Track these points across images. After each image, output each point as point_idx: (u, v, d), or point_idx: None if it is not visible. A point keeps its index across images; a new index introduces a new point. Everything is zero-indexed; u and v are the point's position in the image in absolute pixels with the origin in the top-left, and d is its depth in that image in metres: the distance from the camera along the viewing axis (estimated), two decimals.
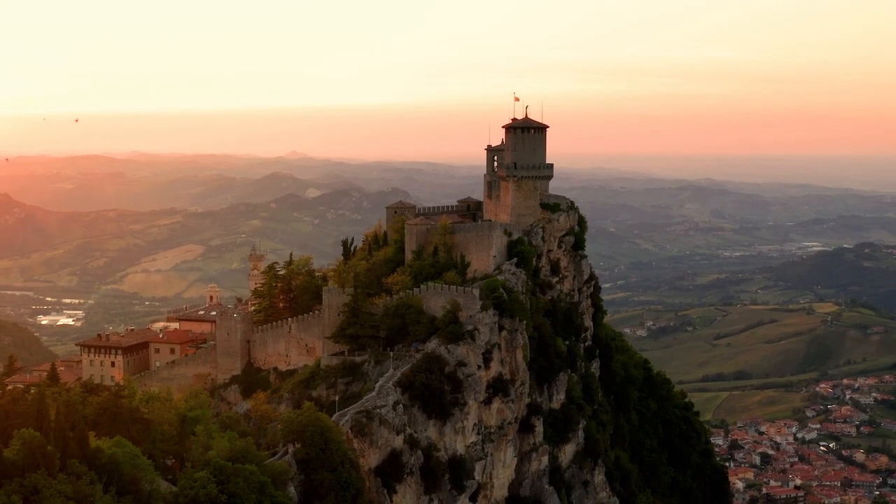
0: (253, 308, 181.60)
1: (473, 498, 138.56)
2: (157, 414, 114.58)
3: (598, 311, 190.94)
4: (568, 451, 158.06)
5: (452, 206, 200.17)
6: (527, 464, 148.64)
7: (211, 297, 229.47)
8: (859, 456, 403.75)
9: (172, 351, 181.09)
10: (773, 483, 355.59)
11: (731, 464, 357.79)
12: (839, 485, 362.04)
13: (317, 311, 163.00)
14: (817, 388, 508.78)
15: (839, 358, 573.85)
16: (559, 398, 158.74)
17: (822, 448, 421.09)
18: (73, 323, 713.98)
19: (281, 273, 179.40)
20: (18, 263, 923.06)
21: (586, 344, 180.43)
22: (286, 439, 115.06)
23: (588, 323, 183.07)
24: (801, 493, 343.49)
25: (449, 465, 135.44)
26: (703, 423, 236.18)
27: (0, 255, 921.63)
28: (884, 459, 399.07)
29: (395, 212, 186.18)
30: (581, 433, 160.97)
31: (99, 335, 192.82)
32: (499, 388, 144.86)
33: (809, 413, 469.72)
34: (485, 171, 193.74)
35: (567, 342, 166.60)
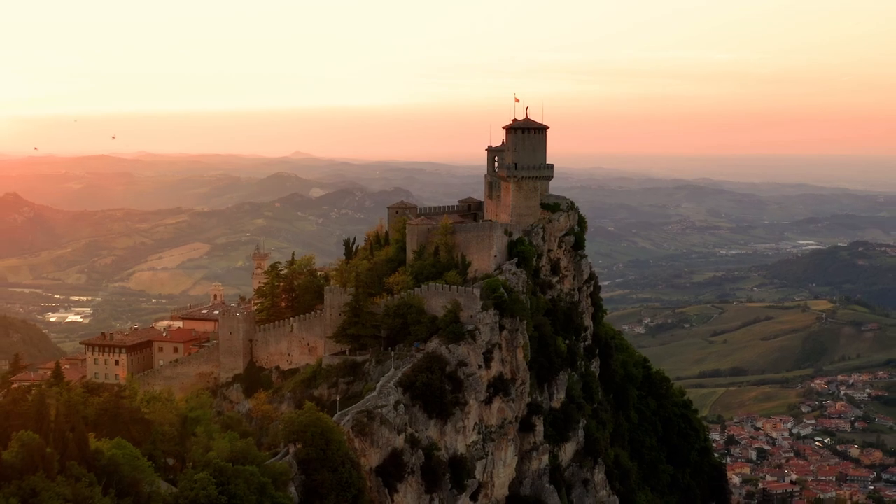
0: (255, 307, 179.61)
1: (474, 497, 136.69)
2: (158, 414, 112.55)
3: (598, 311, 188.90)
4: (568, 450, 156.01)
5: (453, 206, 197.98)
6: (527, 463, 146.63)
7: (215, 296, 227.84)
8: (854, 451, 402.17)
9: (176, 350, 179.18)
10: (769, 478, 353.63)
11: (728, 459, 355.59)
12: (834, 480, 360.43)
13: (318, 311, 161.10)
14: (812, 385, 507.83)
15: (834, 354, 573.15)
16: (559, 397, 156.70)
17: (817, 443, 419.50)
18: (80, 320, 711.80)
19: (283, 273, 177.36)
20: (27, 262, 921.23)
21: (586, 343, 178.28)
22: (287, 439, 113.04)
23: (588, 322, 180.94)
24: (796, 489, 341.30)
25: (450, 465, 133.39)
26: (701, 420, 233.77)
27: (9, 253, 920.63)
28: (878, 454, 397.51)
29: (397, 212, 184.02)
30: (581, 432, 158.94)
31: (103, 334, 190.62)
32: (499, 387, 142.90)
33: (805, 409, 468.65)
34: (485, 172, 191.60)
35: (567, 341, 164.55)
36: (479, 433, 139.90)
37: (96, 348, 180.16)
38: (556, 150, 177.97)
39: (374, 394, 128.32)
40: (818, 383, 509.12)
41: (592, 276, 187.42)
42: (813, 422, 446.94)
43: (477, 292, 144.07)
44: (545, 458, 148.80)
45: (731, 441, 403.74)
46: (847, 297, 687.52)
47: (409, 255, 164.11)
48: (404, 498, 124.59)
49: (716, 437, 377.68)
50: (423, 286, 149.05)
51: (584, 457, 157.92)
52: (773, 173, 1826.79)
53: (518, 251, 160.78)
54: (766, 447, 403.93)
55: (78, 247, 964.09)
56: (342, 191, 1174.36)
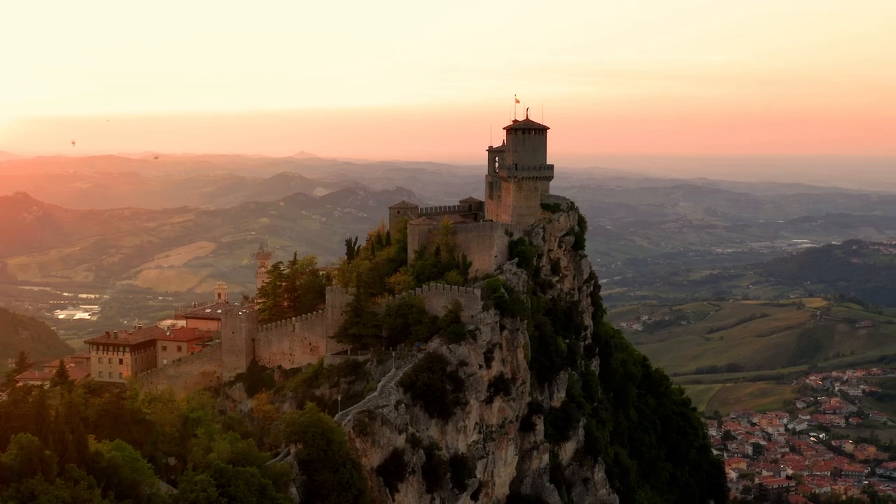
0: (258, 306, 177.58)
1: (475, 496, 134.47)
2: (159, 415, 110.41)
3: (598, 310, 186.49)
4: (568, 449, 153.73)
5: (454, 207, 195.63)
6: (528, 462, 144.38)
7: (219, 295, 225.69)
8: (848, 446, 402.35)
9: (179, 349, 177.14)
10: (765, 473, 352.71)
11: (725, 454, 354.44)
12: (829, 475, 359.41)
13: (320, 311, 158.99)
14: (807, 381, 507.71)
15: (828, 351, 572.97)
16: (560, 396, 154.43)
17: (812, 439, 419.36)
18: (89, 317, 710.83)
19: (285, 273, 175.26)
20: (36, 260, 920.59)
21: (586, 342, 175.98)
22: (288, 440, 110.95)
23: (588, 321, 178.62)
24: (792, 484, 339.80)
25: (451, 464, 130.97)
26: (699, 417, 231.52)
27: (19, 251, 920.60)
28: (872, 450, 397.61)
29: (398, 212, 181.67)
30: (581, 431, 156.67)
31: (107, 333, 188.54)
32: (500, 387, 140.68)
33: (800, 405, 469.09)
34: (486, 172, 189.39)
35: (567, 341, 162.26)
36: (479, 432, 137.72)
37: (100, 347, 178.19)
38: (555, 150, 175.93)
39: (376, 394, 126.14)
40: (813, 379, 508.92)
41: (592, 276, 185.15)
42: (808, 417, 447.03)
43: (478, 292, 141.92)
44: (545, 457, 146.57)
45: (727, 436, 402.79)
46: (841, 295, 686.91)
47: (411, 255, 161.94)
48: (405, 497, 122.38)
49: (713, 432, 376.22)
50: (424, 286, 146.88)
51: (584, 455, 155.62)
52: (768, 173, 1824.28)
53: (518, 251, 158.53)
54: (762, 442, 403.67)
55: (86, 245, 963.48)
56: (345, 190, 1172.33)
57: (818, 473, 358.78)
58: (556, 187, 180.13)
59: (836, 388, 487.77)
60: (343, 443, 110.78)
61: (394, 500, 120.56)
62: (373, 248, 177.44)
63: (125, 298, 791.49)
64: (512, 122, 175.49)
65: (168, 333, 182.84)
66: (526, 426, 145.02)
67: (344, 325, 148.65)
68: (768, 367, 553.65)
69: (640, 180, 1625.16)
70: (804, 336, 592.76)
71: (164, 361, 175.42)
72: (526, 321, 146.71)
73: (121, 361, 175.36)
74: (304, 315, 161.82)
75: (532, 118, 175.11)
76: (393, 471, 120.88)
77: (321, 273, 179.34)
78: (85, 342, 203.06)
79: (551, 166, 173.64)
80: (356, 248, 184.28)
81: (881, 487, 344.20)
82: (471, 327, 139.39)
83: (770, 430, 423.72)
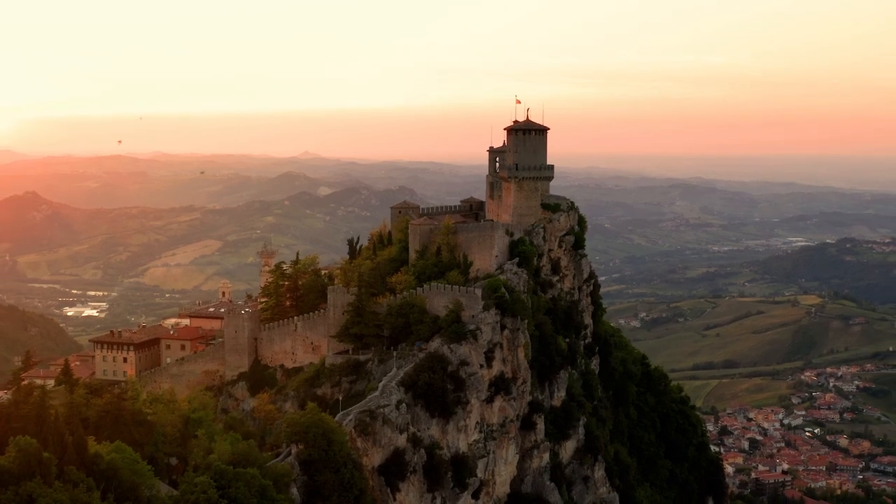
0: (261, 305, 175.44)
1: (476, 495, 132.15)
2: (160, 416, 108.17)
3: (598, 309, 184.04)
4: (569, 448, 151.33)
5: (455, 206, 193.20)
6: (528, 461, 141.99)
7: (223, 293, 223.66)
8: (843, 441, 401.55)
9: (183, 347, 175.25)
10: (761, 468, 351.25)
11: (721, 449, 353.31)
12: (824, 469, 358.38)
13: (322, 310, 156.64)
14: (802, 377, 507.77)
15: (823, 347, 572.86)
16: (560, 395, 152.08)
17: (807, 434, 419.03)
18: (97, 314, 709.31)
19: (287, 272, 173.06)
20: (46, 258, 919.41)
21: (586, 341, 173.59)
22: (289, 440, 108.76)
23: (588, 320, 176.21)
24: (788, 478, 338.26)
25: (452, 463, 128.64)
26: (696, 413, 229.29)
27: (28, 249, 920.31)
28: (866, 444, 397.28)
29: (400, 212, 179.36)
30: (581, 430, 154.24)
31: (111, 332, 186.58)
32: (501, 386, 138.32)
33: (795, 400, 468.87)
34: (487, 172, 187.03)
35: (567, 340, 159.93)
36: (480, 432, 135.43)
37: (105, 346, 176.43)
38: (555, 150, 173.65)
39: (377, 393, 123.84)
40: (808, 375, 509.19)
41: (592, 275, 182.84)
42: (803, 413, 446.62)
43: (478, 292, 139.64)
44: (546, 456, 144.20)
45: (724, 432, 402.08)
46: (835, 292, 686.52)
47: (412, 255, 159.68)
48: (406, 497, 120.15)
49: (709, 427, 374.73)
50: (425, 286, 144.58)
51: (584, 454, 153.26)
52: (763, 172, 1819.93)
53: (519, 251, 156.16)
54: (758, 437, 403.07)
55: (94, 243, 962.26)
56: (349, 189, 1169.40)
57: (813, 468, 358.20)
58: (555, 187, 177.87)
59: (831, 384, 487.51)
60: (344, 443, 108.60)
61: (395, 500, 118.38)
62: (374, 248, 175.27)
63: (133, 296, 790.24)
64: (512, 123, 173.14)
65: (172, 332, 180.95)
66: (526, 425, 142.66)
67: (345, 324, 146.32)
68: (764, 363, 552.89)
69: (638, 180, 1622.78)
70: (799, 333, 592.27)
71: (168, 360, 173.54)
72: (526, 321, 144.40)
73: (125, 360, 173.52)
74: (306, 314, 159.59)
75: (532, 119, 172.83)
76: (394, 470, 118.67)
77: (323, 272, 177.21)
78: (89, 341, 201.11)
79: (552, 166, 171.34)
80: (358, 247, 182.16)
81: (875, 482, 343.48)
82: (472, 327, 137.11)
83: (766, 425, 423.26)
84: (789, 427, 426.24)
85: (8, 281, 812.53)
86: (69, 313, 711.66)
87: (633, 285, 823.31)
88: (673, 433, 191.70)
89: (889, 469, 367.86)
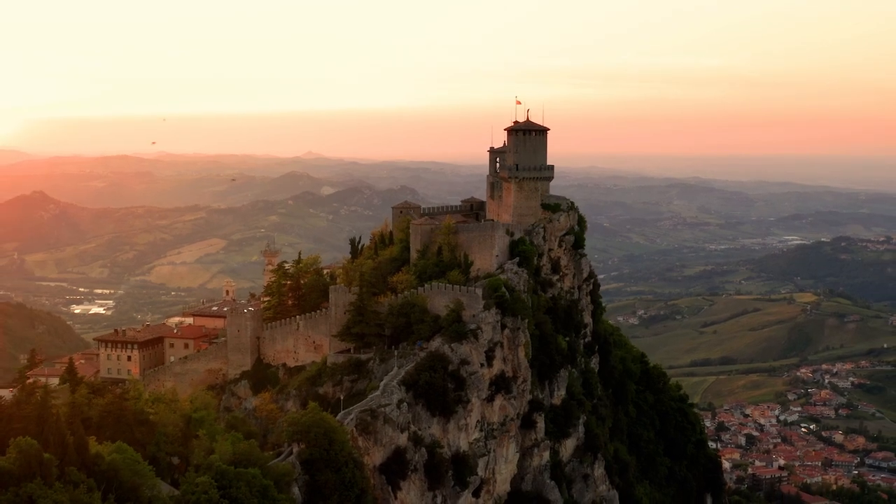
0: (264, 304, 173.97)
1: (476, 493, 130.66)
2: (162, 415, 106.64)
3: (598, 308, 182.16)
4: (568, 446, 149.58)
5: (456, 206, 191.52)
6: (528, 459, 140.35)
7: (227, 292, 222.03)
8: (838, 437, 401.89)
9: (186, 346, 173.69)
10: (757, 463, 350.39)
11: (718, 445, 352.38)
12: (820, 465, 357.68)
13: (324, 309, 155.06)
14: (798, 373, 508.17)
15: (818, 344, 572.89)
16: (560, 394, 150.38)
17: (803, 429, 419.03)
18: (104, 312, 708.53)
19: (290, 272, 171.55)
20: (53, 256, 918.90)
21: (586, 340, 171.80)
22: (291, 439, 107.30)
23: (587, 319, 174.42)
24: (784, 474, 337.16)
25: (452, 462, 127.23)
26: (694, 410, 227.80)
27: (36, 248, 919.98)
28: (861, 440, 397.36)
29: (401, 212, 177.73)
30: (581, 428, 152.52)
31: (115, 330, 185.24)
32: (501, 385, 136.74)
33: (791, 396, 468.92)
34: (487, 171, 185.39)
35: (567, 338, 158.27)
36: (481, 430, 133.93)
37: (109, 344, 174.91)
38: (554, 150, 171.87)
39: (378, 393, 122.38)
40: (804, 372, 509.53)
41: (592, 275, 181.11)
42: (799, 409, 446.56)
43: (479, 292, 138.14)
44: (546, 455, 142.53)
45: (721, 427, 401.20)
46: (830, 290, 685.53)
47: (413, 255, 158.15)
48: (407, 495, 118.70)
49: (706, 423, 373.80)
50: (426, 285, 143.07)
51: (584, 452, 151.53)
52: (760, 172, 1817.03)
53: (519, 251, 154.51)
54: (755, 433, 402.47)
55: (101, 242, 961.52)
56: (351, 189, 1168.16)
57: (809, 463, 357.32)
58: (554, 186, 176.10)
59: (826, 381, 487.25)
60: (345, 442, 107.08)
61: (396, 498, 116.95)
62: (376, 248, 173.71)
63: (139, 294, 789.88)
64: (513, 124, 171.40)
65: (175, 331, 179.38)
66: (527, 424, 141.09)
67: (347, 323, 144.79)
68: (760, 359, 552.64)
69: (637, 179, 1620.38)
70: (795, 330, 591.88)
71: (172, 358, 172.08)
72: (527, 320, 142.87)
73: (129, 358, 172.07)
74: (308, 314, 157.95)
75: (532, 119, 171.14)
76: (395, 469, 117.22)
77: (325, 272, 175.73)
78: (94, 339, 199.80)
79: (552, 167, 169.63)
80: (360, 247, 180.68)
81: (870, 477, 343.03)
82: (472, 326, 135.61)
83: (762, 421, 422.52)
84: (785, 423, 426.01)
85: (16, 279, 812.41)
86: (76, 311, 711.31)
87: (631, 283, 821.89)
88: (672, 431, 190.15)
89: (884, 465, 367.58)
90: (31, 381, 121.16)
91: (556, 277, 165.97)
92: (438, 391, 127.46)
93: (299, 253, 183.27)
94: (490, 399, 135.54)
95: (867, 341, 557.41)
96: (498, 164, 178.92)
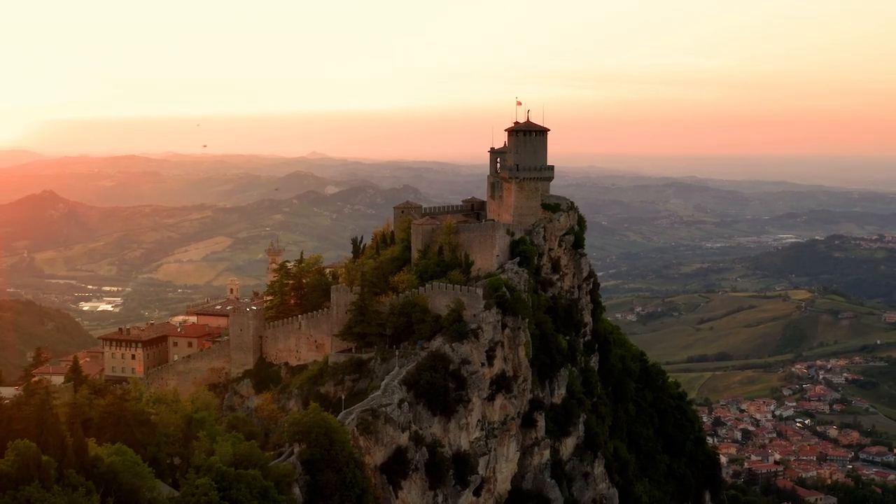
0: (267, 303, 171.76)
1: (477, 492, 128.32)
2: (163, 416, 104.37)
3: (597, 307, 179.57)
4: (569, 445, 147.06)
5: (457, 206, 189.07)
6: (529, 458, 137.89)
7: (231, 290, 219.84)
8: (832, 432, 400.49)
9: (190, 344, 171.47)
10: (753, 458, 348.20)
11: (715, 439, 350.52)
12: (815, 459, 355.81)
13: (326, 309, 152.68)
14: (793, 369, 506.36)
15: (812, 341, 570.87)
16: (560, 393, 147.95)
17: (798, 424, 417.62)
18: (112, 309, 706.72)
19: (292, 271, 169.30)
20: (62, 254, 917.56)
21: (586, 339, 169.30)
22: (292, 439, 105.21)
23: (587, 318, 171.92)
24: (780, 468, 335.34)
25: (453, 461, 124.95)
26: (695, 410, 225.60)
27: (46, 246, 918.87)
28: (855, 435, 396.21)
29: (403, 211, 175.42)
30: (581, 426, 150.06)
31: (120, 329, 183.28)
32: (502, 384, 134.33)
33: (786, 392, 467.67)
34: (488, 171, 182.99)
35: (567, 337, 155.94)
36: (481, 429, 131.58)
37: (114, 343, 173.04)
38: (553, 150, 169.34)
39: (379, 392, 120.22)
40: (798, 368, 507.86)
41: (591, 274, 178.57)
42: (794, 404, 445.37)
43: (480, 291, 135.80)
44: (546, 453, 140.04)
45: (717, 423, 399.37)
46: (824, 287, 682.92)
47: (414, 254, 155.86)
48: (409, 494, 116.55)
49: (703, 418, 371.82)
50: (427, 285, 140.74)
51: (584, 450, 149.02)
52: (755, 172, 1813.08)
53: (520, 250, 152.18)
54: (751, 428, 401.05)
55: (109, 240, 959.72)
56: (355, 188, 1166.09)
57: (804, 458, 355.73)
58: (553, 185, 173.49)
59: (821, 376, 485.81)
60: (346, 442, 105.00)
61: (397, 498, 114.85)
62: (378, 247, 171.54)
63: (146, 291, 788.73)
64: (513, 124, 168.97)
65: (179, 329, 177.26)
66: (527, 423, 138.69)
67: (349, 323, 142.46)
68: (756, 355, 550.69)
69: (634, 179, 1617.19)
70: (790, 326, 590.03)
71: (176, 357, 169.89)
72: (527, 319, 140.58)
73: (133, 357, 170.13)
74: (310, 313, 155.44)
75: (533, 120, 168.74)
76: (396, 468, 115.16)
77: (328, 271, 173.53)
78: (98, 338, 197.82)
79: (552, 167, 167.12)
80: (362, 246, 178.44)
81: (864, 471, 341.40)
82: (473, 326, 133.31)
83: (758, 416, 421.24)
84: (780, 418, 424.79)
85: (26, 277, 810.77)
86: (85, 308, 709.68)
87: (629, 280, 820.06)
88: (671, 428, 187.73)
89: (877, 459, 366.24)
90: (36, 379, 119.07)
91: (556, 277, 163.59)
92: (439, 391, 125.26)
93: (301, 253, 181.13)
94: (491, 398, 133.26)
95: (860, 338, 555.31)
96: (498, 165, 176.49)
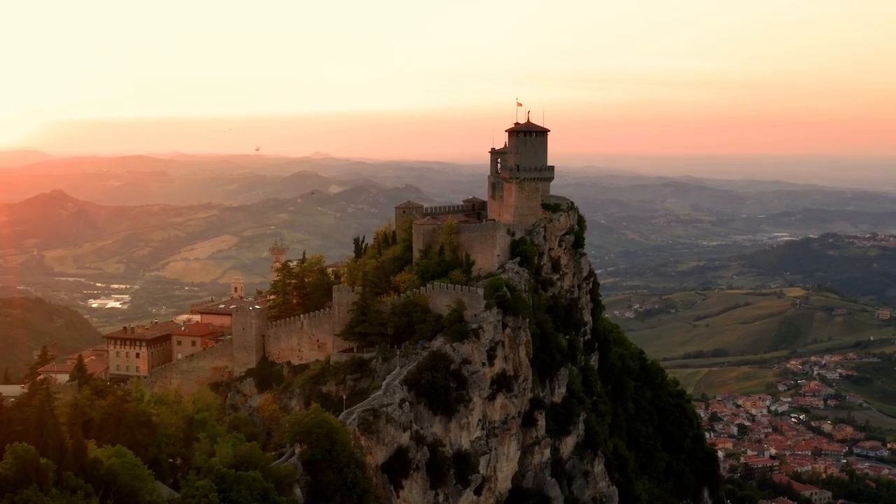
0: (269, 303, 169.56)
1: (478, 491, 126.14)
2: (164, 417, 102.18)
3: (597, 306, 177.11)
4: (569, 443, 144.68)
5: (458, 206, 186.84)
6: (529, 456, 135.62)
7: (235, 289, 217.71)
8: (827, 427, 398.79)
9: (193, 343, 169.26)
10: (749, 453, 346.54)
11: (712, 434, 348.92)
12: (810, 454, 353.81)
13: (328, 308, 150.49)
14: (788, 365, 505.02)
15: (807, 337, 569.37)
16: (560, 392, 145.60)
17: (793, 419, 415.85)
18: (120, 306, 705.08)
19: (294, 271, 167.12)
20: (72, 253, 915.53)
21: (585, 338, 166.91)
22: (293, 440, 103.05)
23: (587, 317, 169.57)
24: (776, 463, 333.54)
25: (454, 460, 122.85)
26: (693, 408, 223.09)
27: (55, 245, 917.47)
28: (849, 430, 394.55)
29: (404, 211, 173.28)
30: (581, 425, 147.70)
31: (124, 328, 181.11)
32: (502, 384, 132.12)
33: (781, 387, 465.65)
34: (488, 172, 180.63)
35: (567, 337, 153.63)
36: (482, 429, 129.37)
37: (118, 341, 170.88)
38: (553, 150, 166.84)
39: (380, 392, 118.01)
40: (793, 364, 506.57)
41: (591, 274, 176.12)
42: (789, 399, 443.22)
43: (480, 291, 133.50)
44: (547, 452, 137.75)
45: (714, 418, 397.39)
46: (819, 285, 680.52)
47: (416, 254, 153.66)
48: (410, 494, 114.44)
49: (700, 413, 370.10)
50: (428, 285, 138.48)
51: (584, 449, 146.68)
52: (750, 171, 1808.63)
53: (520, 250, 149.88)
54: (747, 423, 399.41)
55: (118, 239, 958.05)
56: (358, 188, 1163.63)
57: (799, 453, 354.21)
58: (553, 185, 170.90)
59: (815, 372, 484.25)
60: (347, 442, 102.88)
61: (398, 497, 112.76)
62: (379, 247, 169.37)
63: (154, 288, 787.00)
64: (514, 125, 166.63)
65: (183, 328, 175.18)
66: (528, 422, 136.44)
67: (350, 323, 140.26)
68: (751, 352, 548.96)
69: (632, 178, 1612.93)
70: (785, 323, 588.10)
71: (179, 356, 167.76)
72: (528, 319, 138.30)
73: (137, 355, 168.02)
74: (312, 312, 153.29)
75: (533, 121, 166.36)
76: (397, 468, 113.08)
77: (330, 270, 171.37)
78: (103, 337, 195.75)
79: (552, 167, 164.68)
80: (364, 246, 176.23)
81: (858, 466, 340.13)
82: (474, 326, 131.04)
83: (754, 411, 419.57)
84: (776, 413, 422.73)
85: (36, 274, 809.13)
86: (94, 305, 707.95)
87: (627, 278, 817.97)
88: (669, 426, 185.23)
89: (871, 454, 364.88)
90: (41, 377, 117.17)
91: (556, 276, 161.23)
92: (440, 390, 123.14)
93: (304, 252, 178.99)
94: (491, 398, 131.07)
95: (854, 334, 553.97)
96: (499, 165, 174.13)
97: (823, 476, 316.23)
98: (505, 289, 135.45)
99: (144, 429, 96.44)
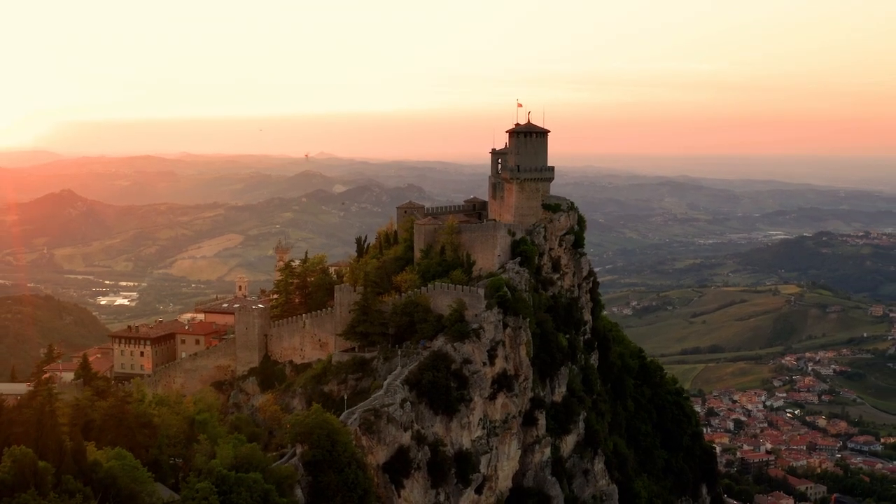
0: (272, 302, 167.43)
1: (479, 490, 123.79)
2: (165, 417, 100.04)
3: (597, 306, 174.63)
4: (569, 442, 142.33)
5: (459, 206, 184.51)
6: (530, 455, 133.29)
7: (239, 287, 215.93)
8: (821, 422, 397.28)
9: (197, 342, 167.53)
10: (746, 447, 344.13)
11: (709, 429, 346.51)
12: (805, 448, 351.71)
13: (330, 308, 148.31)
14: (783, 361, 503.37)
15: (802, 334, 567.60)
16: (561, 391, 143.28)
17: (788, 414, 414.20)
18: (128, 303, 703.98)
19: (297, 270, 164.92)
20: (81, 251, 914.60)
21: (585, 337, 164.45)
22: (294, 441, 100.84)
23: (587, 317, 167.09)
24: (771, 457, 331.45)
25: (455, 460, 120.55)
26: (692, 405, 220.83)
27: (64, 243, 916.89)
28: (843, 425, 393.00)
29: (406, 211, 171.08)
30: (581, 424, 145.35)
31: (129, 327, 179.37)
32: (503, 383, 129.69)
33: (776, 383, 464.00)
34: (489, 172, 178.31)
35: (567, 336, 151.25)
36: (483, 428, 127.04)
37: (122, 340, 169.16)
38: (552, 150, 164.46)
39: (381, 392, 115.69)
40: (788, 360, 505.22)
41: (591, 273, 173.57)
42: (784, 395, 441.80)
43: (481, 291, 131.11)
44: (547, 451, 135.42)
45: (710, 413, 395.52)
46: (813, 282, 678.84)
47: (417, 254, 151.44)
48: (411, 493, 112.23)
49: (697, 409, 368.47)
50: (429, 285, 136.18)
51: (584, 448, 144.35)
52: (745, 171, 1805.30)
53: (521, 250, 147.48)
54: (743, 418, 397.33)
55: (126, 237, 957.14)
56: (361, 187, 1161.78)
57: (794, 447, 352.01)
58: (552, 184, 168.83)
59: (810, 368, 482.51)
60: (348, 443, 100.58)
61: (400, 497, 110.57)
62: (381, 247, 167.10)
63: (161, 286, 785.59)
64: (514, 126, 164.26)
65: (187, 327, 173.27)
66: (528, 421, 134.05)
67: (352, 322, 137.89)
68: (747, 348, 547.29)
69: (630, 178, 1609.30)
70: (780, 320, 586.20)
71: (183, 354, 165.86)
72: (528, 319, 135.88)
73: (142, 354, 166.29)
74: (314, 312, 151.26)
75: (533, 122, 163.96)
76: (398, 467, 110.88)
77: (332, 270, 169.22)
78: (108, 335, 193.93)
79: (552, 168, 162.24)
80: (366, 245, 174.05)
81: (852, 460, 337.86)
82: (475, 325, 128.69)
83: (750, 406, 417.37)
84: (771, 408, 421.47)
85: (45, 272, 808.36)
86: (102, 302, 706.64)
87: (624, 276, 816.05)
88: (668, 423, 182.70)
89: (865, 448, 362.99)
90: (47, 375, 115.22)
91: (556, 276, 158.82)
92: (441, 390, 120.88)
93: (306, 252, 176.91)
94: (492, 397, 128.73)
95: (848, 331, 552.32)
96: (500, 165, 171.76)
97: (818, 470, 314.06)
98: (505, 289, 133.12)
99: (145, 430, 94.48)
